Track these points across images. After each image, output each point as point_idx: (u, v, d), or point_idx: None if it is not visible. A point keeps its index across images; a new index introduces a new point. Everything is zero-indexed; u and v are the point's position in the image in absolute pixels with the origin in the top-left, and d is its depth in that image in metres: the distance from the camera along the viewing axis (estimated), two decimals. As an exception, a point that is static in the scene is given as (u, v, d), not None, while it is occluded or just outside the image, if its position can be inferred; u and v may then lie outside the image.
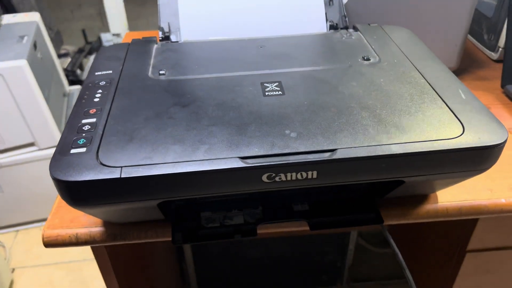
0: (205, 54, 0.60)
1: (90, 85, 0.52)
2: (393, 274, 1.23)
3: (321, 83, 0.51)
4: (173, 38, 0.66)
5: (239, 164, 0.39)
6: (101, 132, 0.43)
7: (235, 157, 0.40)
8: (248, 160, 0.40)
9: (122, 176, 0.38)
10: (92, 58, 2.23)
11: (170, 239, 0.50)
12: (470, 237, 0.65)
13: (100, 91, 0.50)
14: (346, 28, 0.68)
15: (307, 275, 1.23)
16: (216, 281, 1.22)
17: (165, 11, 0.67)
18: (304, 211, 0.52)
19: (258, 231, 0.50)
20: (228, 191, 0.42)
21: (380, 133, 0.42)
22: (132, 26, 2.42)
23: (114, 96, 0.49)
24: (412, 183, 0.46)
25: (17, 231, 1.58)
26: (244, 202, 0.53)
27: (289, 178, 0.41)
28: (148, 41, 0.63)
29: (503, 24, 0.84)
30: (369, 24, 0.67)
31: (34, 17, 1.52)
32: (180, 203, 0.53)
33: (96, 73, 0.55)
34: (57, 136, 1.39)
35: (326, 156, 0.40)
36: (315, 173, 0.41)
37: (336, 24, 0.68)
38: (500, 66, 0.84)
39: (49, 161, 0.40)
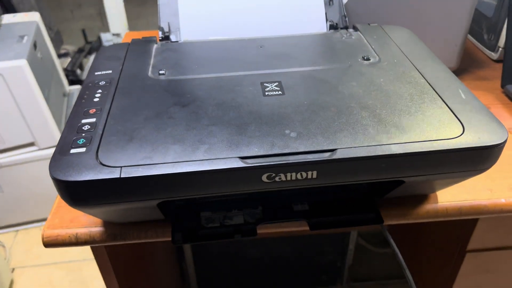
0: (205, 54, 0.60)
1: (90, 85, 0.52)
2: (393, 274, 1.23)
3: (321, 83, 0.51)
4: (173, 38, 0.66)
5: (239, 164, 0.39)
6: (101, 132, 0.43)
7: (235, 157, 0.40)
8: (248, 160, 0.40)
9: (122, 176, 0.38)
10: (92, 58, 2.23)
11: (170, 239, 0.50)
12: (470, 237, 0.65)
13: (100, 91, 0.50)
14: (346, 28, 0.68)
15: (307, 275, 1.23)
16: (216, 281, 1.22)
17: (165, 11, 0.67)
18: (304, 211, 0.52)
19: (258, 231, 0.50)
20: (228, 191, 0.42)
21: (380, 133, 0.42)
22: (132, 26, 2.42)
23: (114, 96, 0.49)
24: (412, 183, 0.46)
25: (17, 231, 1.58)
26: (244, 202, 0.53)
27: (289, 178, 0.41)
28: (148, 41, 0.63)
29: (503, 24, 0.84)
30: (369, 24, 0.67)
31: (34, 17, 1.52)
32: (180, 203, 0.53)
33: (96, 73, 0.55)
34: (57, 136, 1.39)
35: (326, 156, 0.40)
36: (315, 173, 0.41)
37: (336, 24, 0.68)
38: (500, 66, 0.84)
39: (49, 161, 0.40)
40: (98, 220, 0.52)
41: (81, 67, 2.15)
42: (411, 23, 0.73)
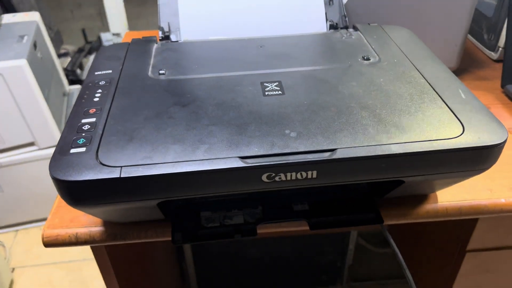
0: (205, 53, 0.60)
1: (90, 84, 0.52)
2: (393, 274, 1.23)
3: (321, 82, 0.51)
4: (173, 37, 0.66)
5: (239, 163, 0.39)
6: (101, 132, 0.43)
7: (235, 157, 0.40)
8: (248, 160, 0.40)
9: (122, 176, 0.38)
10: (92, 57, 2.23)
11: (170, 239, 0.50)
12: (470, 237, 0.65)
13: (100, 90, 0.50)
14: (346, 27, 0.68)
15: (307, 275, 1.23)
16: (216, 281, 1.22)
17: (165, 11, 0.67)
18: (304, 211, 0.52)
19: (258, 231, 0.50)
20: (228, 190, 0.42)
21: (380, 133, 0.42)
22: (132, 26, 2.42)
23: (114, 95, 0.49)
24: (412, 183, 0.46)
25: (17, 231, 1.58)
26: (244, 202, 0.53)
27: (289, 178, 0.41)
28: (148, 41, 0.63)
29: (503, 24, 0.84)
30: (369, 24, 0.67)
31: (34, 16, 1.52)
32: (180, 203, 0.53)
33: (96, 73, 0.55)
34: (57, 135, 1.39)
35: (326, 155, 0.40)
36: (315, 172, 0.41)
37: (336, 23, 0.68)
38: (500, 66, 0.84)
39: (49, 160, 0.40)
40: (98, 220, 0.52)
41: (81, 67, 2.15)
42: (411, 23, 0.73)
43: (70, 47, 2.24)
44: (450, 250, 0.72)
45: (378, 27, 0.66)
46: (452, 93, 0.48)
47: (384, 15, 0.72)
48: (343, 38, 0.64)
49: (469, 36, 0.98)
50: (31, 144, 1.39)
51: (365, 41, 0.62)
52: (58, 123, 1.41)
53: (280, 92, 0.49)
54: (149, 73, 0.54)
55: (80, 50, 2.25)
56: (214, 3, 0.67)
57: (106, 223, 0.51)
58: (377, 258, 1.25)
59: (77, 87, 1.77)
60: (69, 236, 0.51)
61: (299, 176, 0.41)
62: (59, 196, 0.54)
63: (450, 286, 0.73)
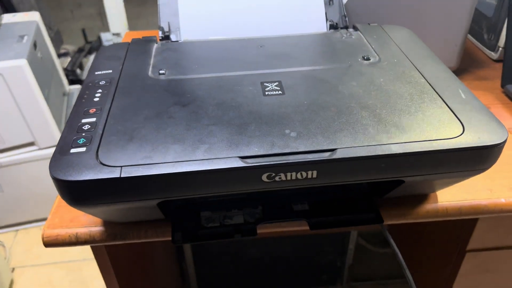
0: (205, 53, 0.60)
1: (90, 84, 0.52)
2: (393, 274, 1.23)
3: (321, 82, 0.51)
4: (173, 37, 0.66)
5: (239, 163, 0.39)
6: (101, 132, 0.43)
7: (235, 157, 0.40)
8: (248, 160, 0.40)
9: (122, 176, 0.38)
10: (92, 57, 2.23)
11: (170, 238, 0.50)
12: (470, 237, 0.65)
13: (100, 90, 0.50)
14: (346, 27, 0.68)
15: (307, 275, 1.23)
16: (216, 281, 1.22)
17: (165, 11, 0.67)
18: (304, 210, 0.52)
19: (258, 231, 0.50)
20: (228, 190, 0.42)
21: (380, 133, 0.42)
22: (132, 26, 2.42)
23: (114, 95, 0.49)
24: (412, 183, 0.46)
25: (17, 230, 1.58)
26: (244, 201, 0.53)
27: (289, 177, 0.41)
28: (148, 41, 0.63)
29: (503, 24, 0.84)
30: (369, 24, 0.67)
31: (34, 16, 1.52)
32: (180, 202, 0.53)
33: (96, 73, 0.55)
34: (57, 135, 1.39)
35: (326, 155, 0.40)
36: (315, 172, 0.41)
37: (336, 23, 0.68)
38: (500, 66, 0.84)
39: (49, 160, 0.40)
40: (98, 220, 0.52)
41: (81, 67, 2.15)
42: (411, 23, 0.73)
43: (70, 47, 2.24)
44: (450, 250, 0.72)
45: (378, 27, 0.66)
46: (452, 93, 0.48)
47: (384, 15, 0.72)
48: (343, 38, 0.64)
49: (469, 36, 0.98)
50: (31, 144, 1.39)
51: (365, 41, 0.62)
52: (58, 123, 1.41)
53: (280, 92, 0.49)
54: (149, 73, 0.54)
55: (80, 50, 2.25)
56: (214, 3, 0.67)
57: (106, 223, 0.51)
58: (377, 258, 1.25)
59: (77, 87, 1.77)
60: (69, 236, 0.51)
61: (299, 176, 0.41)
62: (59, 196, 0.54)
63: (450, 286, 0.73)
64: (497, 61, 0.89)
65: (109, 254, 0.58)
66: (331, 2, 0.69)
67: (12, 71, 1.22)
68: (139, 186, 0.39)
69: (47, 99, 1.34)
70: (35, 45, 1.38)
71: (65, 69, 1.98)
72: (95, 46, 2.34)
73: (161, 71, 0.54)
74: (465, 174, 0.45)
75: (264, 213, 0.52)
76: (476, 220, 0.63)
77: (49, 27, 1.76)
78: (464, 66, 0.87)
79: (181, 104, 0.47)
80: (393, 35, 0.63)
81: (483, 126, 0.43)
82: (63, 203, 0.53)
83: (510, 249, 0.68)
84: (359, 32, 0.65)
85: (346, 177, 0.43)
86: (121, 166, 0.39)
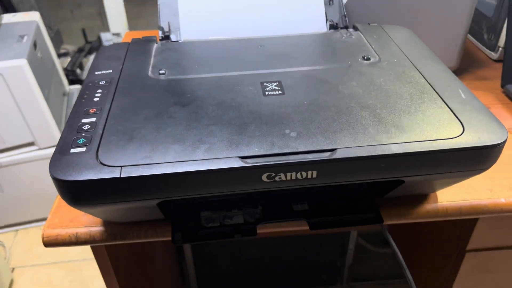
0: (205, 53, 0.60)
1: (90, 84, 0.52)
2: (393, 274, 1.23)
3: (321, 82, 0.51)
4: (173, 37, 0.66)
5: (239, 163, 0.39)
6: (101, 132, 0.43)
7: (235, 157, 0.40)
8: (248, 160, 0.40)
9: (122, 176, 0.38)
10: (92, 57, 2.23)
11: (170, 238, 0.50)
12: (469, 237, 0.65)
13: (100, 90, 0.50)
14: (346, 27, 0.68)
15: (307, 275, 1.23)
16: (216, 281, 1.22)
17: (165, 11, 0.67)
18: (304, 210, 0.52)
19: (258, 231, 0.50)
20: (228, 190, 0.42)
21: (380, 133, 0.42)
22: (132, 26, 2.42)
23: (114, 95, 0.49)
24: (411, 183, 0.46)
25: (17, 230, 1.58)
26: (244, 201, 0.53)
27: (289, 177, 0.41)
28: (148, 41, 0.63)
29: (503, 24, 0.84)
30: (369, 24, 0.67)
31: (34, 16, 1.52)
32: (180, 202, 0.53)
33: (96, 73, 0.55)
34: (57, 135, 1.39)
35: (325, 155, 0.40)
36: (314, 172, 0.41)
37: (336, 23, 0.68)
38: (500, 66, 0.84)
39: (49, 160, 0.40)
40: (98, 220, 0.52)
41: (81, 67, 2.15)
42: (411, 23, 0.73)
43: (70, 47, 2.24)
44: (450, 250, 0.72)
45: (378, 27, 0.66)
46: (452, 93, 0.48)
47: (384, 15, 0.72)
48: (343, 38, 0.64)
49: (469, 36, 0.98)
50: (31, 144, 1.39)
51: (365, 41, 0.62)
52: (58, 123, 1.41)
53: (280, 92, 0.49)
54: (149, 73, 0.54)
55: (80, 50, 2.25)
56: (214, 3, 0.67)
57: (106, 223, 0.51)
58: (377, 258, 1.25)
59: (77, 87, 1.77)
60: (69, 236, 0.51)
61: (299, 176, 0.41)
62: (59, 196, 0.54)
63: (450, 286, 0.73)
64: (497, 61, 0.89)
65: (109, 254, 0.58)
66: (331, 2, 0.69)
67: (12, 71, 1.22)
68: (139, 186, 0.39)
69: (47, 99, 1.34)
70: (35, 45, 1.38)
71: (65, 69, 1.98)
72: (95, 46, 2.34)
73: (161, 71, 0.54)
74: (465, 174, 0.45)
75: (264, 213, 0.52)
76: (476, 220, 0.63)
77: (49, 27, 1.76)
78: (464, 66, 0.87)
79: (181, 104, 0.47)
80: (393, 35, 0.63)
81: (483, 126, 0.43)
82: (63, 203, 0.53)
83: (510, 249, 0.68)
84: (359, 32, 0.65)
85: (346, 177, 0.43)
86: (121, 166, 0.39)
